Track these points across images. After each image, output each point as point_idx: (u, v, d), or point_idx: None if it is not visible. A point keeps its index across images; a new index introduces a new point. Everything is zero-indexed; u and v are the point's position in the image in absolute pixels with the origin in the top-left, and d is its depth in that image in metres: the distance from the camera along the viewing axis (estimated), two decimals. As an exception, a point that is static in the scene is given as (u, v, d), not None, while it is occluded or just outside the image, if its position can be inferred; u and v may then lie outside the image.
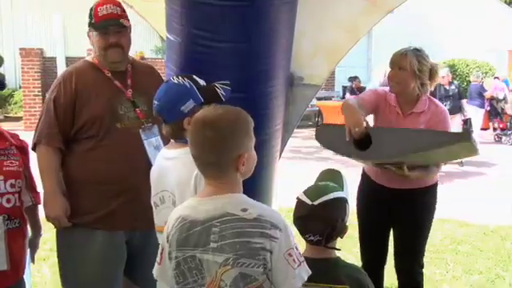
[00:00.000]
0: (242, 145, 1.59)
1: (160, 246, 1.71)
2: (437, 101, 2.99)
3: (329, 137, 2.83)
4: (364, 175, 3.03)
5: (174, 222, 1.63)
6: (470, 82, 15.44)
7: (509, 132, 11.70)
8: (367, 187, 3.01)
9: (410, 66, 2.73)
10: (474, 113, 10.82)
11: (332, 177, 1.98)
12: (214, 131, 1.56)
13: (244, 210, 1.54)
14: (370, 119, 2.97)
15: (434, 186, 2.96)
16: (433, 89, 2.97)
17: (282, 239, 1.52)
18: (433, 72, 2.82)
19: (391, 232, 3.04)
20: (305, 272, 1.57)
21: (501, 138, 11.80)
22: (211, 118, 1.59)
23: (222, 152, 1.56)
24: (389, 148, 2.56)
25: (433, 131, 2.72)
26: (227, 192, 1.59)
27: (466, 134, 2.68)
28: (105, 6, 2.42)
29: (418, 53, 2.77)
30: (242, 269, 1.51)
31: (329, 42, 2.87)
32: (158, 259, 1.72)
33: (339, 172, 2.02)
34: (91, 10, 2.45)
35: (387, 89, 2.92)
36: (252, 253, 1.50)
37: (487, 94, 11.74)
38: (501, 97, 12.06)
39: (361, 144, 2.60)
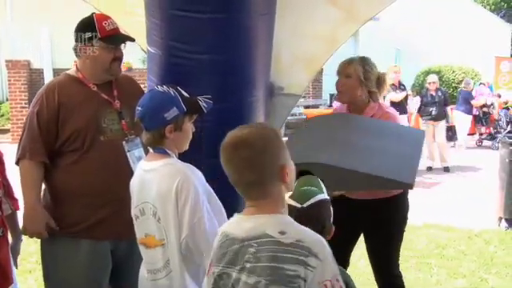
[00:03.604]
0: (281, 155, 1.54)
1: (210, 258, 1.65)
2: (388, 107, 3.04)
3: None
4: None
5: (218, 237, 1.60)
6: (455, 88, 15.68)
7: (496, 136, 11.85)
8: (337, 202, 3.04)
9: (355, 73, 2.78)
10: (462, 119, 11.00)
11: (310, 181, 2.04)
12: (248, 149, 1.50)
13: (282, 232, 1.46)
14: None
15: (401, 194, 2.88)
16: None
17: (318, 269, 1.43)
18: (381, 80, 2.86)
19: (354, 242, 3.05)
20: None
21: (482, 142, 11.98)
22: (241, 137, 1.53)
23: (263, 168, 1.50)
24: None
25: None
26: (269, 211, 1.52)
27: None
28: (109, 21, 2.49)
29: (363, 60, 2.83)
30: None
31: (307, 52, 2.92)
32: (206, 271, 1.66)
33: (316, 177, 2.07)
34: (92, 23, 2.45)
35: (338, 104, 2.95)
36: (284, 280, 1.42)
37: (478, 102, 11.92)
38: (489, 102, 12.26)
39: None
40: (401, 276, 3.02)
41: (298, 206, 1.87)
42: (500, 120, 12.03)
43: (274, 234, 1.45)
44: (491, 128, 12.13)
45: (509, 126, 11.77)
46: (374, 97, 2.84)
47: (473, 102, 11.54)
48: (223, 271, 1.53)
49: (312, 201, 1.88)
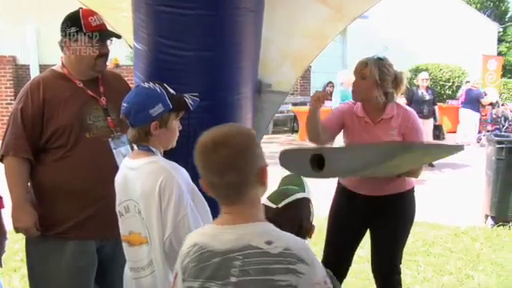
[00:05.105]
0: (260, 156, 1.49)
1: (174, 270, 1.59)
2: (403, 105, 3.02)
3: (291, 160, 2.66)
4: (339, 184, 3.05)
5: (189, 249, 1.50)
6: (443, 86, 15.80)
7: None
8: (342, 196, 3.02)
9: (371, 75, 2.75)
10: (470, 116, 11.18)
11: (292, 180, 2.02)
12: (229, 148, 1.42)
13: (269, 242, 1.40)
14: (340, 137, 3.00)
15: (410, 191, 2.96)
16: (400, 94, 3.00)
17: (307, 274, 1.40)
18: (398, 80, 2.84)
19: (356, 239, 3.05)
20: None
21: (481, 140, 12.13)
22: (220, 137, 1.45)
23: (245, 168, 1.44)
24: (344, 164, 2.44)
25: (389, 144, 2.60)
26: (249, 219, 1.45)
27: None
28: (95, 17, 2.46)
29: (380, 62, 2.78)
30: None
31: (296, 50, 2.91)
32: (171, 284, 1.60)
33: (299, 176, 2.06)
34: (78, 19, 2.43)
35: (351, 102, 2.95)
36: None
37: (487, 100, 12.09)
38: (494, 101, 12.48)
39: (318, 164, 2.45)
40: (400, 274, 3.03)
41: (273, 206, 1.85)
42: (499, 117, 12.25)
43: (260, 245, 1.39)
44: (489, 126, 12.33)
45: (506, 123, 12.00)
46: (389, 97, 2.83)
47: (482, 100, 11.72)
48: (204, 286, 1.45)
49: (288, 200, 1.85)
